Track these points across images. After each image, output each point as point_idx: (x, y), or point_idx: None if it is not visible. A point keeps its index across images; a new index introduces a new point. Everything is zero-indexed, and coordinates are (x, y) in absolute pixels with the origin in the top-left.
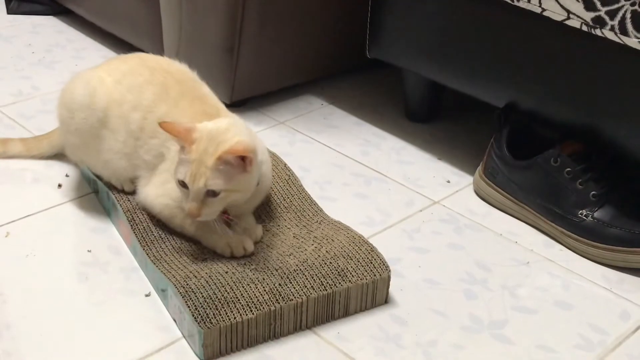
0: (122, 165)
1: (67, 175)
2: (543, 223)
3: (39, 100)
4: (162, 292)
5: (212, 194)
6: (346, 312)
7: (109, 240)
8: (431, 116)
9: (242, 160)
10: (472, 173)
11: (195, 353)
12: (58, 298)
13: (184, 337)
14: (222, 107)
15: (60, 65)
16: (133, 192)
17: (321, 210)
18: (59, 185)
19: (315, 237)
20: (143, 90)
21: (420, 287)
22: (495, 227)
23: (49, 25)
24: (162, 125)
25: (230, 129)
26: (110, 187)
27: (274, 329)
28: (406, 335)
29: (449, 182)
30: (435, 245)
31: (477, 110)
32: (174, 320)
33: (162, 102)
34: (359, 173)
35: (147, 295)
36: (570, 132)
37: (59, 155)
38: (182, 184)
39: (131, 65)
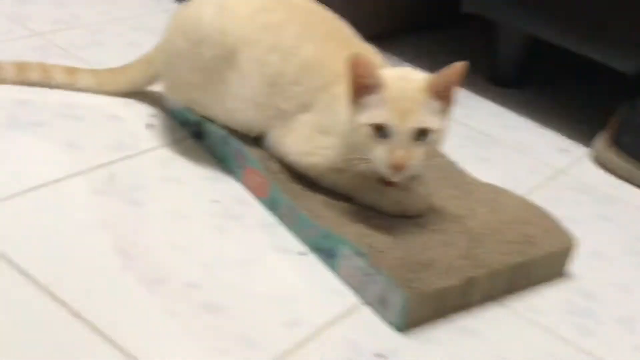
0: (251, 116)
1: (153, 116)
2: None
3: (84, 31)
4: (325, 252)
5: (421, 135)
6: (532, 283)
7: (231, 191)
8: (521, 81)
9: (447, 95)
10: (583, 142)
11: (387, 321)
12: (203, 254)
13: (366, 304)
14: (370, 50)
15: None
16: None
17: (464, 173)
18: (149, 125)
19: (478, 200)
20: (282, 29)
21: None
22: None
23: None
24: (354, 58)
25: (413, 72)
26: (230, 130)
27: (467, 298)
28: (600, 310)
29: (564, 150)
30: (586, 216)
31: (564, 75)
32: (349, 285)
33: (307, 42)
34: (469, 135)
35: (301, 254)
36: None
37: (133, 94)
38: (378, 129)
39: (267, 2)
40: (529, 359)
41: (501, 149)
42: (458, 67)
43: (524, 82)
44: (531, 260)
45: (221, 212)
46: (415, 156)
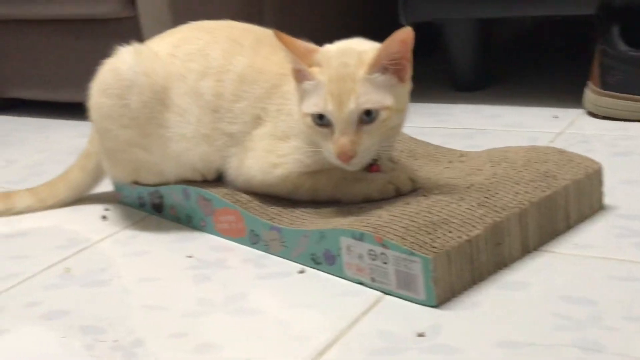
0: (202, 151)
1: (106, 210)
2: None
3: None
4: (325, 258)
5: (368, 116)
6: (573, 224)
7: (205, 243)
8: (481, 84)
9: (399, 67)
10: (572, 106)
11: (416, 301)
12: (183, 306)
13: (388, 293)
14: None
15: None
16: (218, 180)
17: (452, 149)
18: (104, 217)
19: (475, 161)
20: (208, 53)
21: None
22: None
23: None
24: (278, 35)
25: (362, 43)
26: (187, 182)
27: (500, 253)
28: None
29: (556, 117)
30: (602, 158)
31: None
32: (362, 282)
33: (237, 55)
34: (450, 134)
35: (301, 272)
36: None
37: (80, 200)
38: (319, 118)
39: (183, 35)
40: (595, 290)
41: (489, 134)
42: (401, 33)
43: (487, 85)
44: (558, 192)
45: (197, 265)
46: (363, 141)
